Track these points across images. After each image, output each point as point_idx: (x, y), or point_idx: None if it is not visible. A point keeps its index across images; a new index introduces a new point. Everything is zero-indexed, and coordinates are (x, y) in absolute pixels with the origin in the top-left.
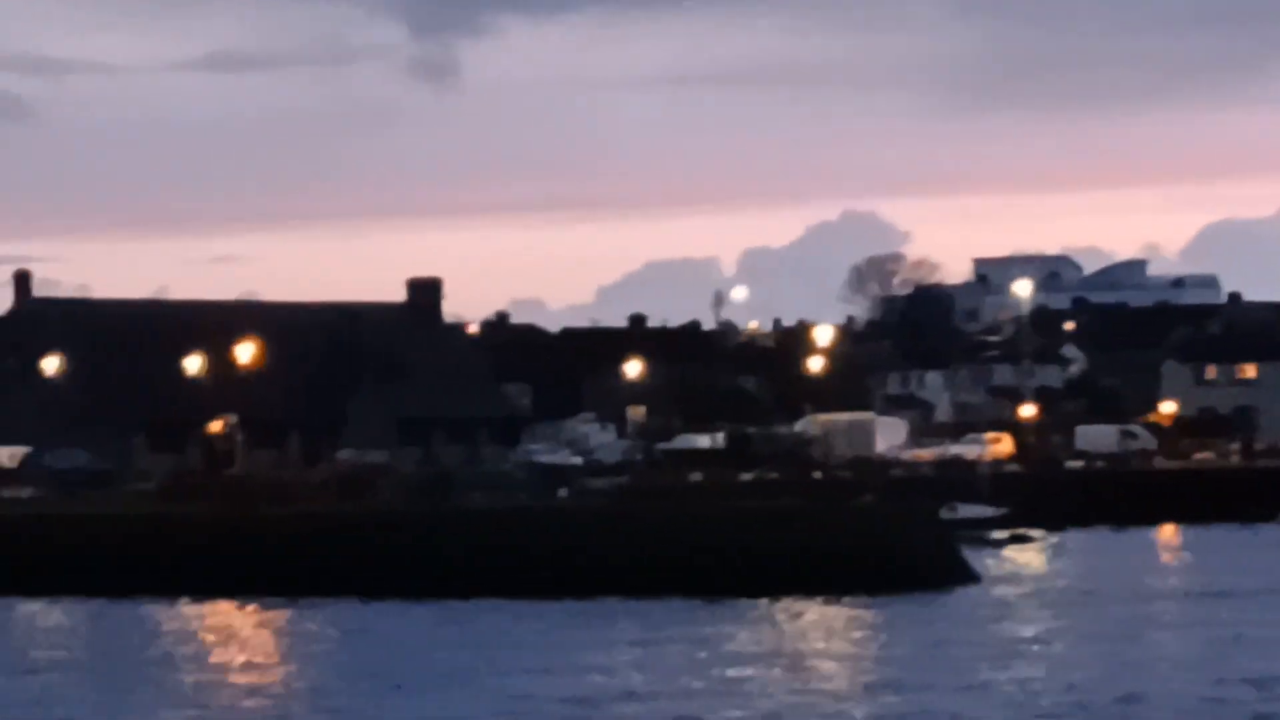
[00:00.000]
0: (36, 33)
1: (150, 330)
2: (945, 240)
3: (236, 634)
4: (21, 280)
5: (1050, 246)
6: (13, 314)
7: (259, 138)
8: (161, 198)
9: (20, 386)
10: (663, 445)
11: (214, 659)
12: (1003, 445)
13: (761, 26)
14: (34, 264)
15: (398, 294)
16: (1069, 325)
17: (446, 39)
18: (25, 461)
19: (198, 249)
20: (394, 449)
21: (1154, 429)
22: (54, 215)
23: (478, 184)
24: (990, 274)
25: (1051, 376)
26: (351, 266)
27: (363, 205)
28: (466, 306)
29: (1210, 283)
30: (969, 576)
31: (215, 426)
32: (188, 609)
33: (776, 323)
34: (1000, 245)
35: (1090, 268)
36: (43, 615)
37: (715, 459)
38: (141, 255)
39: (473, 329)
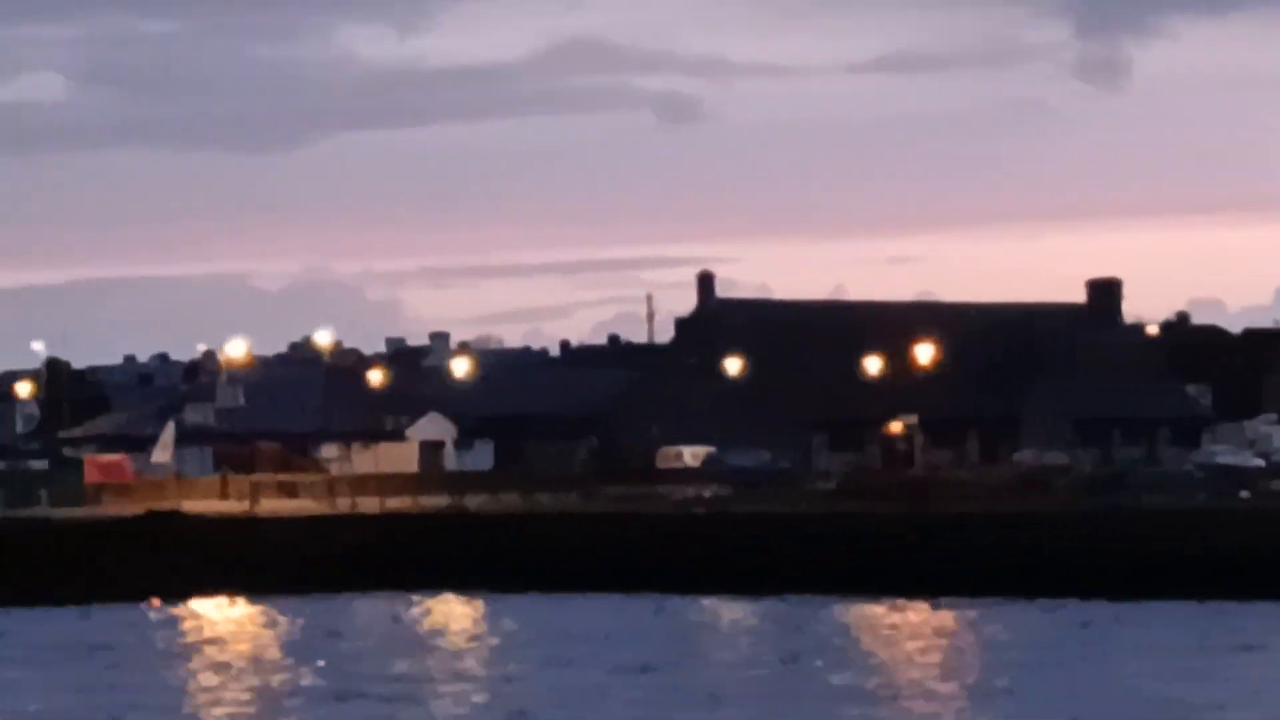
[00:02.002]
0: (712, 36)
1: (828, 330)
2: None
3: (916, 634)
4: (705, 281)
5: None
6: (696, 314)
7: (930, 138)
8: (836, 199)
9: (703, 386)
10: None
11: (892, 659)
12: None
13: None
14: (716, 265)
15: (1075, 294)
16: None
17: (1114, 38)
18: (708, 460)
19: (873, 249)
20: (1071, 449)
21: None
22: (733, 217)
23: (1151, 184)
24: None
25: None
26: (1026, 267)
27: (1035, 205)
28: (1145, 307)
29: None
30: None
31: (894, 426)
32: (866, 608)
33: None
34: None
35: None
36: (726, 612)
37: None
38: (818, 256)
39: (1151, 330)
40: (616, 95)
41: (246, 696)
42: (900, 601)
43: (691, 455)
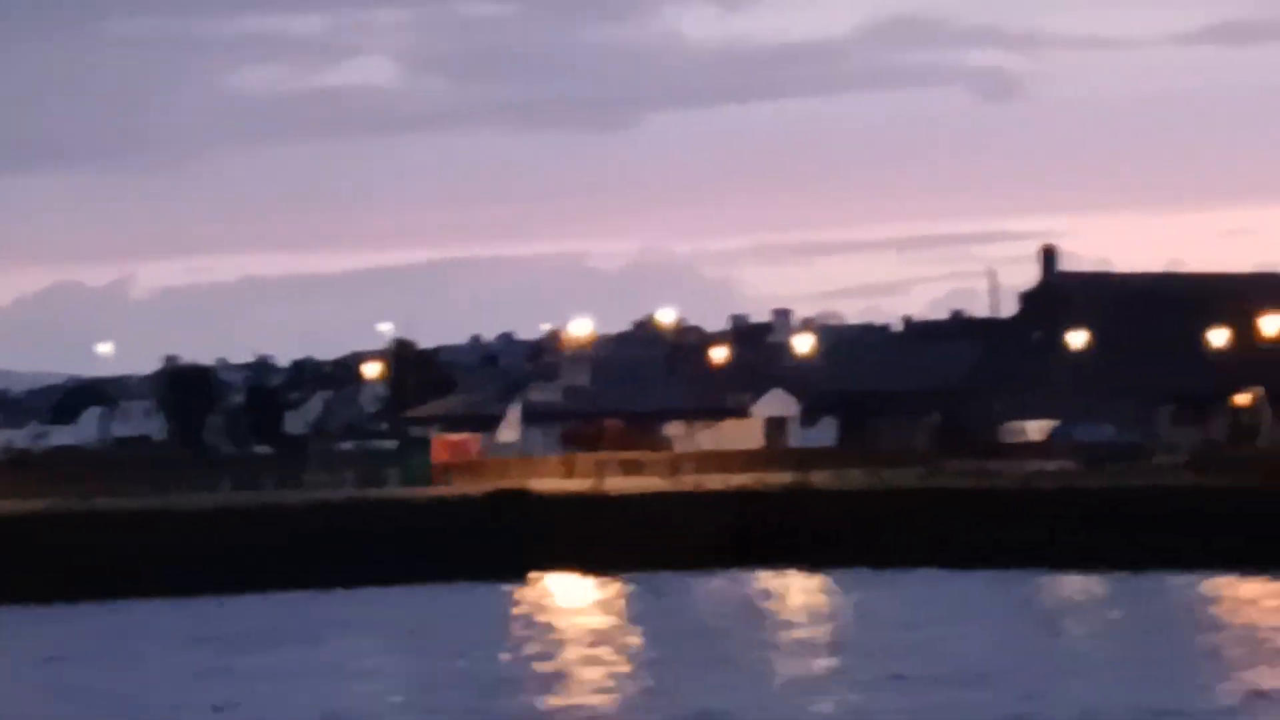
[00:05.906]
0: (1034, 9)
1: (1171, 303)
2: None
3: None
4: (1048, 255)
5: None
6: (1039, 288)
7: (1264, 109)
8: (1169, 171)
9: (1047, 360)
10: None
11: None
12: None
13: None
14: (1057, 239)
15: None
16: None
17: None
18: (1053, 434)
19: (1208, 221)
20: None
21: None
22: (1070, 190)
23: None
24: None
25: None
26: None
27: None
28: None
29: None
30: None
31: (1241, 399)
32: (1215, 581)
33: None
34: None
35: None
36: (1072, 587)
37: None
38: (1155, 228)
39: None
40: (939, 71)
41: (602, 669)
42: (1231, 577)
43: (1036, 430)
